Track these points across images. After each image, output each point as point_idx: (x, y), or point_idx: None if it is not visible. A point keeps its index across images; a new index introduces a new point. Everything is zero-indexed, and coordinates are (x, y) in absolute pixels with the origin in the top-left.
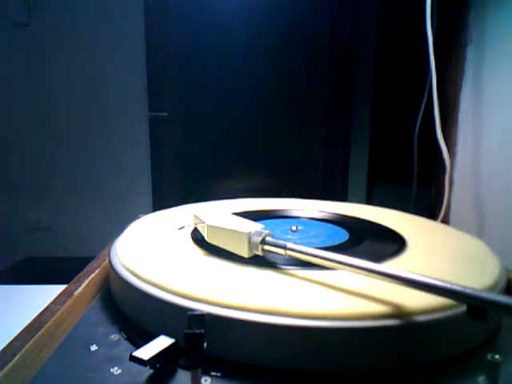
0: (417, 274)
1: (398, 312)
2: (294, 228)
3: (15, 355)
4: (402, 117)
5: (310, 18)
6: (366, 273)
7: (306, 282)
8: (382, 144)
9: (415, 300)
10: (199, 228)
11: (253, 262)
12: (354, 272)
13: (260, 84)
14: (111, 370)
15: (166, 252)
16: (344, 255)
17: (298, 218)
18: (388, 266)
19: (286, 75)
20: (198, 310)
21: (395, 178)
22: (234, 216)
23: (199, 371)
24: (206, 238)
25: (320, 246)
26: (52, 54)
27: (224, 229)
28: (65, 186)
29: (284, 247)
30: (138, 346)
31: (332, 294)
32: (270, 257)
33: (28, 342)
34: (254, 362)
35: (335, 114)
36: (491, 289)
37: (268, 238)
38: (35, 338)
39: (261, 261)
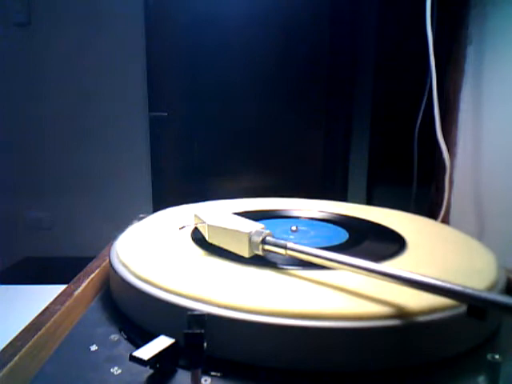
0: (417, 273)
1: (398, 312)
2: (294, 228)
3: (15, 355)
4: (401, 117)
5: (310, 19)
6: (366, 273)
7: (307, 282)
8: (382, 144)
9: (415, 300)
10: (200, 228)
11: (253, 261)
12: (354, 272)
13: (260, 84)
14: (111, 370)
15: (166, 252)
16: (344, 255)
17: (297, 218)
18: (388, 266)
19: (286, 75)
20: (198, 310)
21: (395, 178)
22: (235, 216)
23: (199, 371)
24: (206, 237)
25: (320, 245)
26: (52, 54)
27: (225, 228)
28: (65, 186)
29: (284, 247)
30: (138, 346)
31: (332, 294)
32: (270, 257)
33: (28, 342)
34: (253, 362)
35: (335, 114)
36: (491, 289)
37: (268, 238)
38: (35, 337)
39: (261, 261)
